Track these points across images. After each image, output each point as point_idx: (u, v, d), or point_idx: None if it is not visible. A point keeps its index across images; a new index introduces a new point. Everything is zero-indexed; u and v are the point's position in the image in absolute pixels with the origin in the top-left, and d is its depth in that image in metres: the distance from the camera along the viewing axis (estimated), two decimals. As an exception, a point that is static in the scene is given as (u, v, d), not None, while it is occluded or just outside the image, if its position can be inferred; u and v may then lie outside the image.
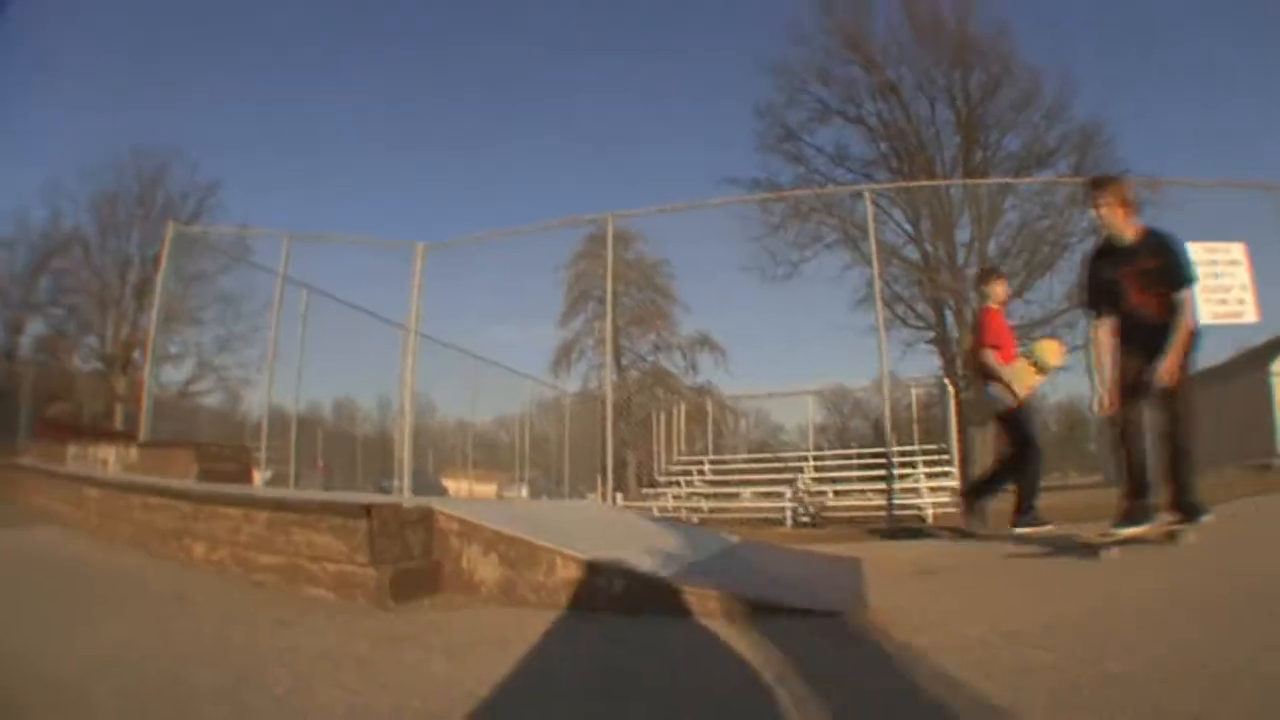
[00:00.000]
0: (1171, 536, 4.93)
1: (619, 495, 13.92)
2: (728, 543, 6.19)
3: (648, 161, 65.07)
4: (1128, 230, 4.99)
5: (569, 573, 3.69)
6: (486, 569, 3.87)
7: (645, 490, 15.36)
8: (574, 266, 28.88)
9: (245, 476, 9.06)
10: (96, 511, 6.43)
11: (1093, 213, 5.13)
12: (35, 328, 41.51)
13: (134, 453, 9.81)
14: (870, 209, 11.14)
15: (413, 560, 3.85)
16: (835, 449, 18.80)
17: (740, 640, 2.94)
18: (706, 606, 3.37)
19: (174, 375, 35.06)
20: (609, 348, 15.78)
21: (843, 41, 27.04)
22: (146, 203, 39.96)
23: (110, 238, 39.86)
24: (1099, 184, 5.18)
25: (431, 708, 2.19)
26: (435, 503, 4.21)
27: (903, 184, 22.84)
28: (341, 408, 31.31)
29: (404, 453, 12.15)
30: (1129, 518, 4.99)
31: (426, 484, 13.84)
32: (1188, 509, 4.93)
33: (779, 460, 15.87)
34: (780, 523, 11.95)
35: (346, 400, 30.42)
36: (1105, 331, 5.08)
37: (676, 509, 13.28)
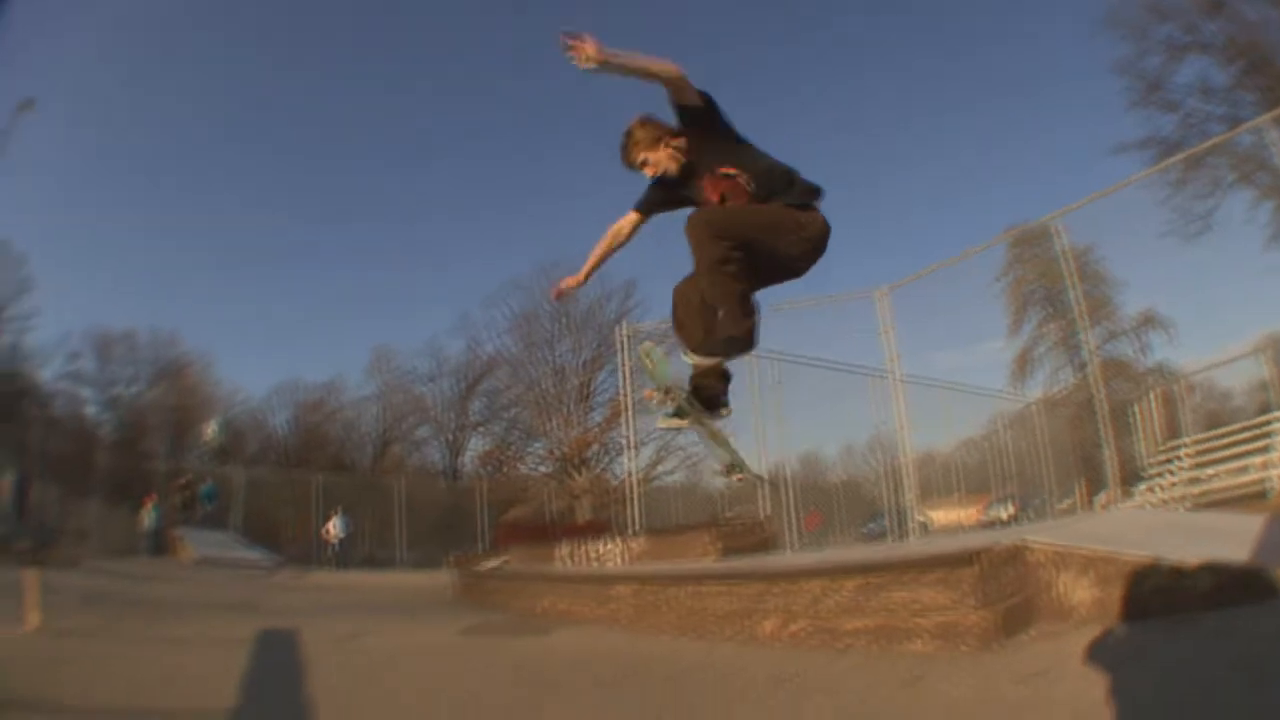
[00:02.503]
0: None
1: (1102, 495, 13.19)
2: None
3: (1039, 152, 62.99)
4: None
5: (1157, 580, 3.66)
6: (1079, 591, 3.91)
7: (1129, 487, 14.36)
8: (1007, 275, 28.25)
9: (765, 548, 9.29)
10: (631, 606, 6.60)
11: None
12: (475, 445, 47.16)
13: (640, 542, 10.15)
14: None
15: (1011, 597, 3.90)
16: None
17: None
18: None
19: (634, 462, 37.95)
20: (1090, 353, 15.04)
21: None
22: (565, 314, 44.47)
23: (536, 351, 44.70)
24: None
25: None
26: (1025, 535, 4.26)
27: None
28: (806, 461, 32.29)
29: (909, 492, 12.30)
30: None
31: (905, 521, 13.75)
32: None
33: (1251, 429, 14.24)
34: (1262, 495, 10.79)
35: (811, 453, 31.41)
36: None
37: (1165, 500, 12.34)
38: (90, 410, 49.03)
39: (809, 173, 3.63)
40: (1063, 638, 3.65)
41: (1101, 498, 13.65)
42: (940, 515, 20.15)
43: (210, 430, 45.30)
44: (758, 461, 12.57)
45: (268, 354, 72.23)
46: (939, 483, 19.69)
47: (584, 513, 35.89)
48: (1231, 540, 4.42)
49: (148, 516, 26.18)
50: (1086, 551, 3.88)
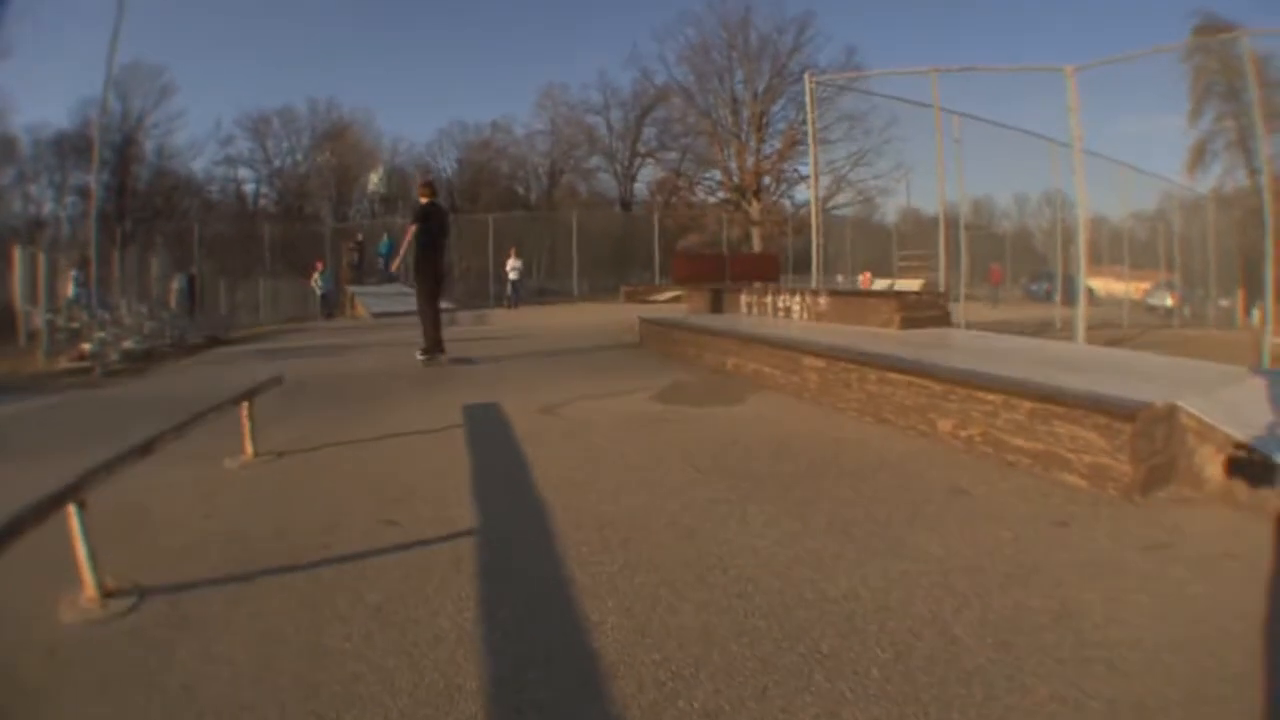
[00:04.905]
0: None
1: (1256, 310, 13.00)
2: None
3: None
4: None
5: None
6: (1213, 469, 4.32)
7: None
8: (1189, 61, 25.87)
9: (944, 321, 9.79)
10: (817, 383, 7.20)
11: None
12: (647, 174, 47.79)
13: (823, 301, 10.61)
14: None
15: (1157, 456, 4.38)
16: None
17: None
18: None
19: (804, 194, 38.37)
20: (1265, 161, 14.31)
21: None
22: (739, 45, 43.32)
23: (710, 81, 44.10)
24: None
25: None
26: (1180, 400, 4.57)
27: None
28: (978, 207, 31.94)
29: (1081, 262, 12.54)
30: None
31: (1073, 288, 13.88)
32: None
33: None
34: None
35: (984, 199, 31.06)
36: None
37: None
38: (250, 188, 51.27)
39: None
40: (1193, 505, 4.15)
41: (1256, 314, 13.41)
42: (1105, 285, 19.77)
43: (373, 181, 47.15)
44: (934, 200, 12.96)
45: (430, 104, 72.05)
46: (1107, 250, 19.22)
47: (757, 242, 36.17)
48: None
49: (318, 282, 27.71)
50: (1225, 434, 4.25)
